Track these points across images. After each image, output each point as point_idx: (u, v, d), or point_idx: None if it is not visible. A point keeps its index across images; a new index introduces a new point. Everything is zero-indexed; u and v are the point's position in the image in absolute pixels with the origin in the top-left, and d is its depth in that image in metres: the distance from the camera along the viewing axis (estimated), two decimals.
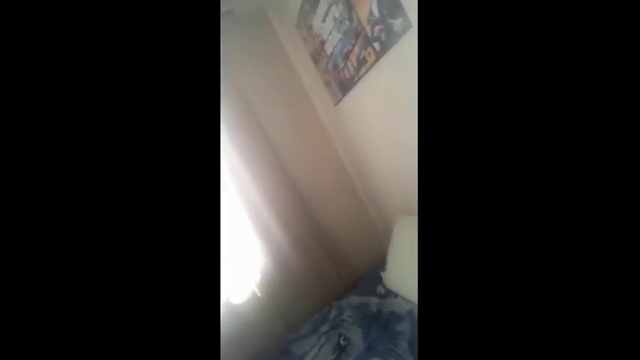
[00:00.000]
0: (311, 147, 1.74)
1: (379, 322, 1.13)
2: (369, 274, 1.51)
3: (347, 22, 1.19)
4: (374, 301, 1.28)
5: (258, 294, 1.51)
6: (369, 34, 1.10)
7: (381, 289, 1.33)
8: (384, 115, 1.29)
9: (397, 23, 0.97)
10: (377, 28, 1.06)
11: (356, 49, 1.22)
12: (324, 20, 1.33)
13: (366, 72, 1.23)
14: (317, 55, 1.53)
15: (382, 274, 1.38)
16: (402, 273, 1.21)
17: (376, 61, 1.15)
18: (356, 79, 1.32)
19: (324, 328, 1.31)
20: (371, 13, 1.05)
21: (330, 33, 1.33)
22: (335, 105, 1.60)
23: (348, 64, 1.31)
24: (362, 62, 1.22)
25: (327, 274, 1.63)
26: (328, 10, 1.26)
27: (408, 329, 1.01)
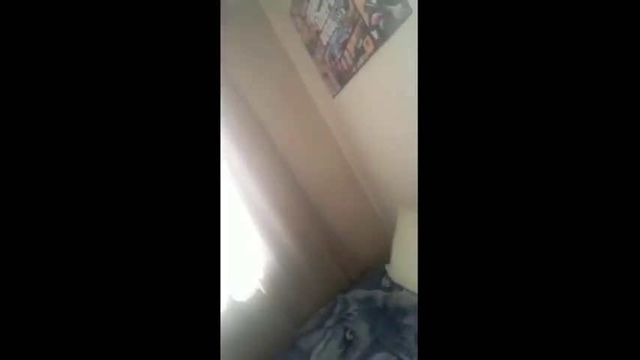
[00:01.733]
0: (310, 140, 1.71)
1: (385, 316, 1.13)
2: (374, 268, 1.51)
3: (343, 10, 1.14)
4: (379, 294, 1.28)
5: (263, 291, 1.51)
6: (367, 23, 1.06)
7: (386, 283, 1.33)
8: (384, 106, 1.26)
9: (396, 10, 0.93)
10: (375, 15, 1.01)
11: (353, 39, 1.18)
12: (318, 9, 1.28)
13: (365, 62, 1.19)
14: (313, 45, 1.48)
15: (387, 266, 1.37)
16: (407, 265, 1.20)
17: (375, 50, 1.11)
18: (354, 69, 1.28)
19: (329, 322, 1.31)
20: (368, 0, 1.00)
21: (326, 22, 1.28)
22: (333, 97, 1.56)
23: (346, 54, 1.27)
24: (360, 52, 1.18)
25: (331, 269, 1.62)
26: None
27: (414, 323, 1.01)
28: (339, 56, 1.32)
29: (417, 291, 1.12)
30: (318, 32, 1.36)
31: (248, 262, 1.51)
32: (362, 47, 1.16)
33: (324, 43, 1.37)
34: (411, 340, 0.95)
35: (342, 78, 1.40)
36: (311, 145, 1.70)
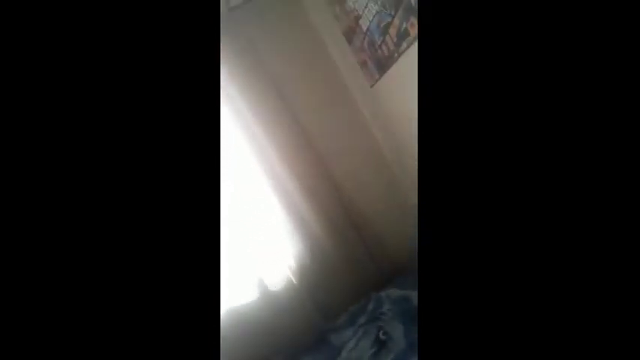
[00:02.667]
0: (346, 131, 1.66)
1: None
2: (410, 266, 1.43)
3: None
4: (415, 295, 1.21)
5: (294, 281, 1.51)
6: (412, 2, 0.98)
7: None
8: None
9: None
10: None
11: (396, 22, 1.10)
12: None
13: (409, 46, 1.11)
14: (351, 32, 1.42)
15: None
16: None
17: None
18: (396, 55, 1.20)
19: (361, 320, 1.27)
20: None
21: (366, 6, 1.21)
22: (371, 86, 1.49)
23: (387, 39, 1.20)
24: (403, 35, 1.10)
25: (364, 263, 1.58)
26: None
27: None
28: (379, 42, 1.25)
29: None
30: (358, 18, 1.30)
31: (280, 251, 1.52)
32: (406, 30, 1.07)
33: (364, 29, 1.30)
34: None
35: (382, 65, 1.32)
36: (346, 136, 1.66)
